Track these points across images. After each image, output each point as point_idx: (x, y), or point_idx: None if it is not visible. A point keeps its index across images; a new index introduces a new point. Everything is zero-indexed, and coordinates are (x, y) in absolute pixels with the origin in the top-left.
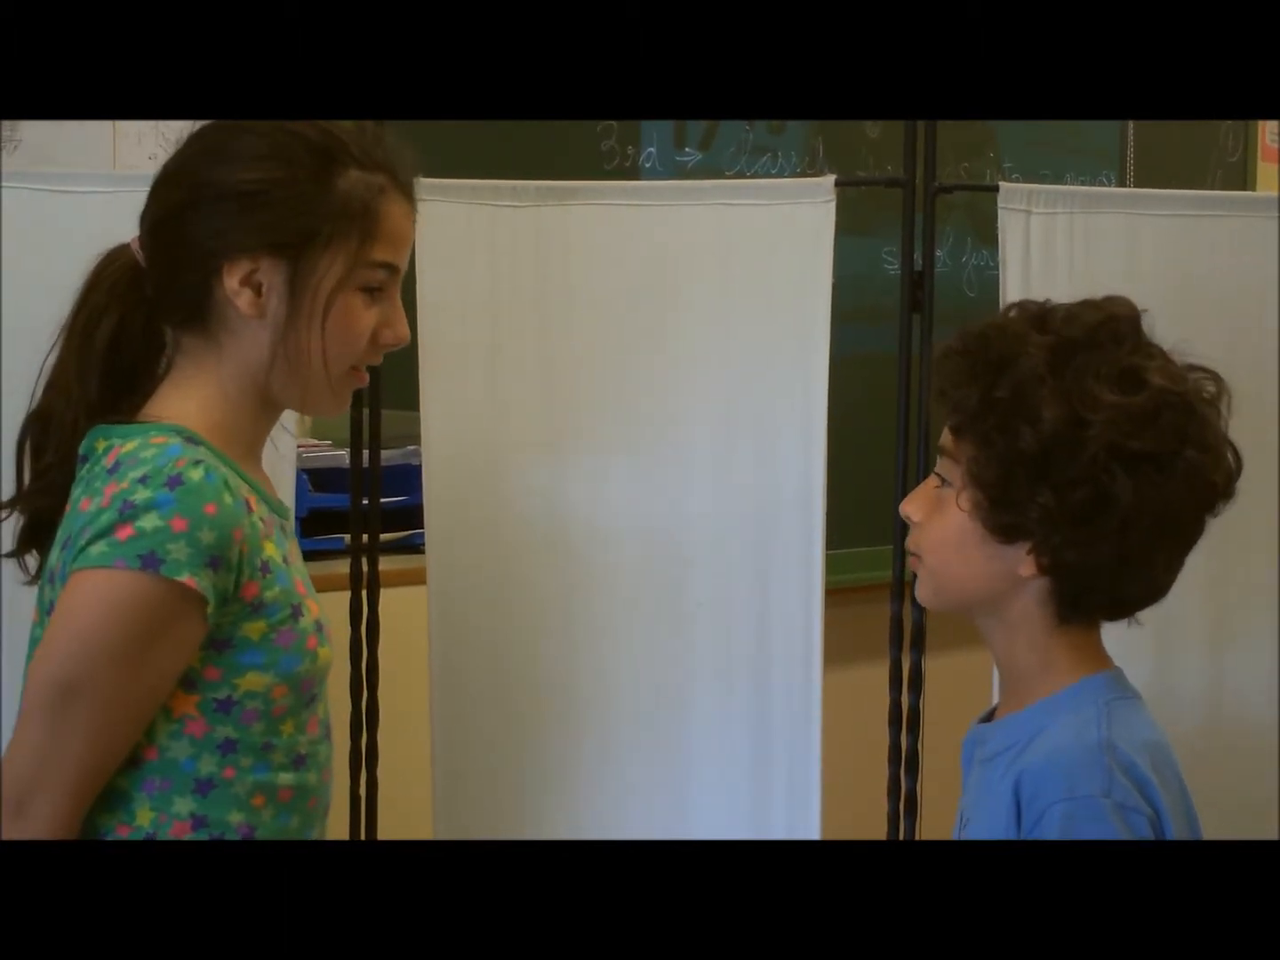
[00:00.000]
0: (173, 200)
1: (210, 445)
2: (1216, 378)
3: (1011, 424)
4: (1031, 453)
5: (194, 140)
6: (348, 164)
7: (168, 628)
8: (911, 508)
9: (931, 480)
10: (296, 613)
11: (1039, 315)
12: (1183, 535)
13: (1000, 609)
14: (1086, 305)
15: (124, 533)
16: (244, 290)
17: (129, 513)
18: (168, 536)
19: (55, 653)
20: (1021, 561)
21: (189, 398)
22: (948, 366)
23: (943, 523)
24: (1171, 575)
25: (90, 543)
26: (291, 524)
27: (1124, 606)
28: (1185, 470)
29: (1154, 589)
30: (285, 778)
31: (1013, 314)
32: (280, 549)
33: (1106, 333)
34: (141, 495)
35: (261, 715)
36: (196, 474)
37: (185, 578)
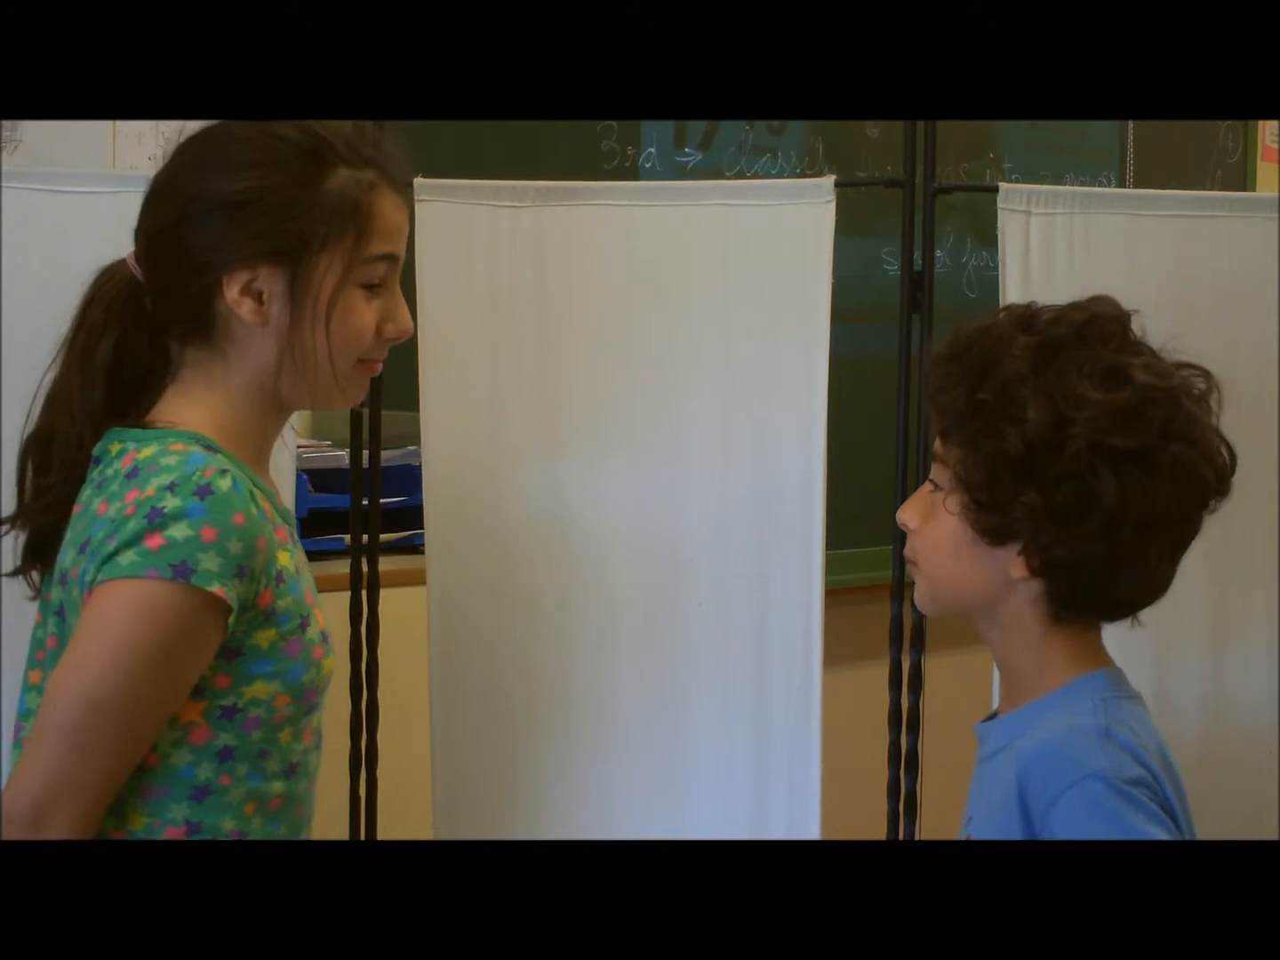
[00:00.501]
0: (166, 215)
1: (227, 453)
2: (1206, 374)
3: (996, 425)
4: (1015, 453)
5: (181, 151)
6: (336, 163)
7: (195, 638)
8: (907, 515)
9: (926, 486)
10: (305, 623)
11: (1025, 317)
12: (1174, 532)
13: (996, 611)
14: (1073, 306)
15: (154, 541)
16: (245, 299)
17: (158, 521)
18: (198, 546)
19: (90, 668)
20: (1012, 563)
21: (197, 404)
22: (936, 371)
23: (935, 528)
24: (1167, 574)
25: (118, 551)
26: (294, 530)
27: (1119, 606)
28: (1171, 466)
29: (1149, 588)
30: (277, 786)
31: (1001, 316)
32: (292, 558)
33: (1091, 331)
34: (171, 503)
35: (262, 723)
36: (225, 483)
37: (215, 588)
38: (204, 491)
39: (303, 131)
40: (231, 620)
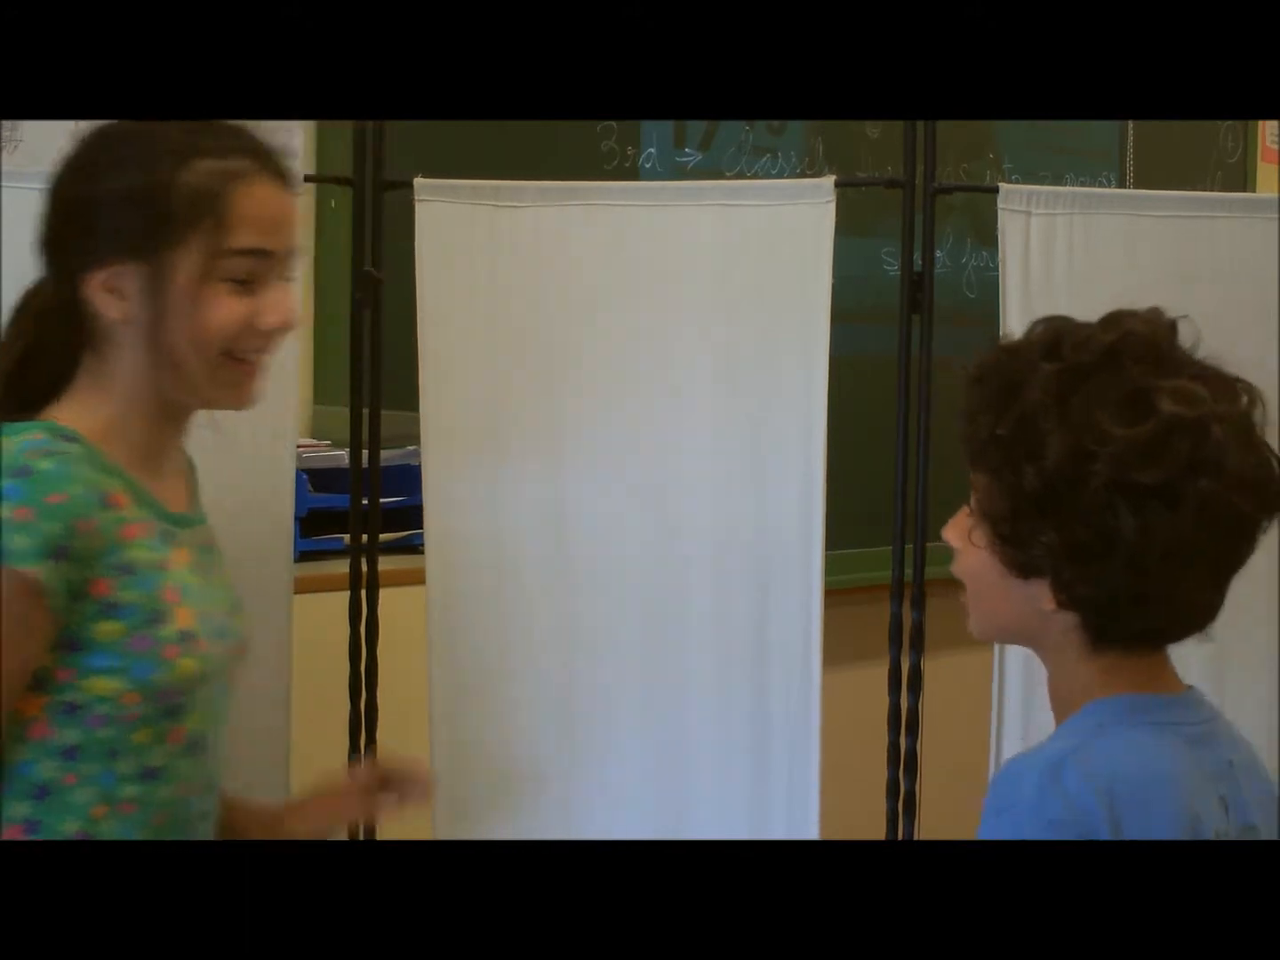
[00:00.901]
0: (46, 221)
1: (86, 443)
2: (1249, 388)
3: (1014, 460)
4: (1033, 490)
5: (63, 159)
6: (194, 156)
7: (17, 620)
8: (949, 534)
9: (965, 508)
10: (156, 619)
11: (1054, 340)
12: (1207, 562)
13: (1039, 640)
14: (1105, 324)
15: None
16: (108, 297)
17: None
18: (12, 526)
19: None
20: (1043, 595)
21: (84, 405)
22: (964, 395)
23: (971, 555)
24: (1209, 600)
25: None
26: (193, 534)
27: (1159, 634)
28: (1198, 500)
29: (1189, 616)
30: (130, 789)
31: (1034, 334)
32: (156, 553)
33: (1120, 354)
34: None
35: (110, 721)
36: (46, 464)
37: (28, 567)
38: (22, 472)
39: (170, 128)
40: (59, 604)
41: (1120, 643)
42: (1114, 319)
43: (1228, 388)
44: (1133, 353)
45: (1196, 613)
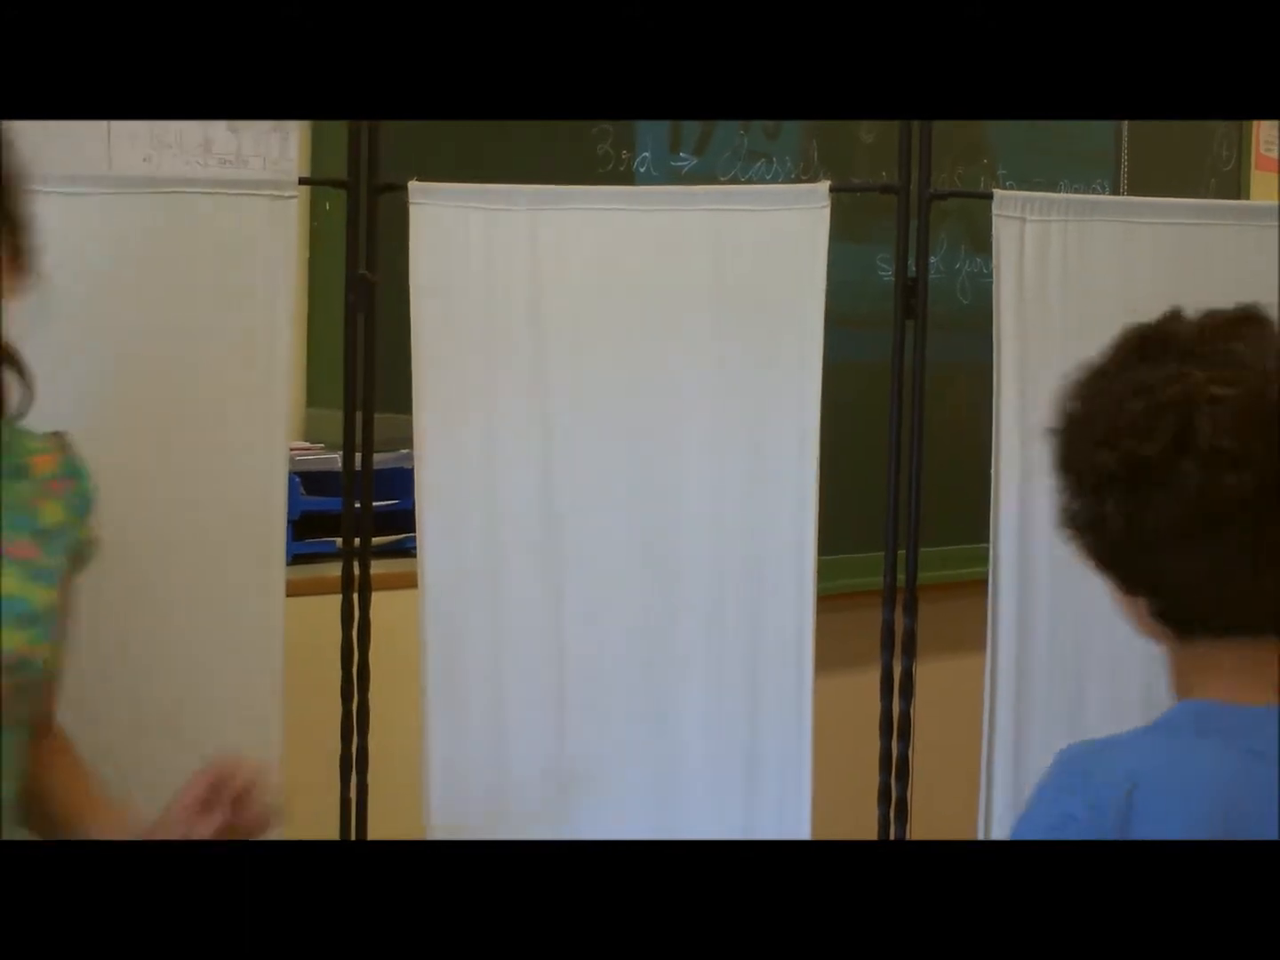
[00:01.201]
0: None
1: None
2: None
3: (1056, 459)
4: (1059, 485)
5: None
6: None
7: None
8: None
9: None
10: None
11: (1113, 348)
12: (1229, 548)
13: (1145, 631)
14: (1158, 320)
15: None
16: None
17: None
18: None
19: None
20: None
21: None
22: None
23: None
24: (1256, 589)
25: None
26: None
27: (1229, 626)
28: (1186, 482)
29: (1246, 606)
30: None
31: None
32: None
33: (1143, 353)
34: None
35: None
36: None
37: None
38: None
39: None
40: None
41: (1192, 632)
42: (1168, 317)
43: (1252, 371)
44: (1166, 349)
45: (1251, 603)
